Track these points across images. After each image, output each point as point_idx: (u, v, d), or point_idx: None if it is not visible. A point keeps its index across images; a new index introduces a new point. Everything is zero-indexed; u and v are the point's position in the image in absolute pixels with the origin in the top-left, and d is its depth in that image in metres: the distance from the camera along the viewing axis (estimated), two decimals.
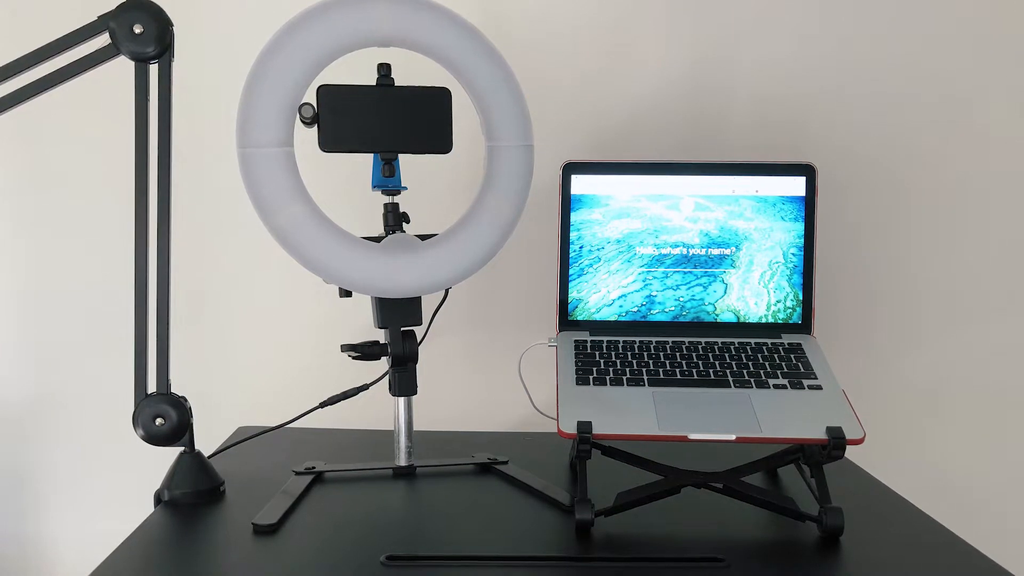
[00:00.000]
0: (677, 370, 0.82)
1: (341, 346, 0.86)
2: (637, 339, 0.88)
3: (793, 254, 0.90)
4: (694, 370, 0.82)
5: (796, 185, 0.90)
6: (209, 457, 0.88)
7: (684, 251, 0.90)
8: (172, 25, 0.80)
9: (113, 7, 0.78)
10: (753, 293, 0.90)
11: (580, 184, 0.91)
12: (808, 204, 0.90)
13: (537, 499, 0.84)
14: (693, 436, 0.73)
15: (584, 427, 0.74)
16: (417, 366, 0.88)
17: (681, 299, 0.90)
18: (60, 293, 1.19)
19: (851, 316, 1.19)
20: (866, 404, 1.08)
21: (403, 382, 0.88)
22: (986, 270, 1.19)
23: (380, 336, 0.87)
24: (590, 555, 0.71)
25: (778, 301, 0.90)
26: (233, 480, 0.87)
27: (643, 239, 0.90)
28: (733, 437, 0.73)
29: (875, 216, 1.18)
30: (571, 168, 0.91)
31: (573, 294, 0.90)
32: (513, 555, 0.70)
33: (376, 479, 0.89)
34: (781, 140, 1.16)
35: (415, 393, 0.89)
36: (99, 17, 0.78)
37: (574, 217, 0.90)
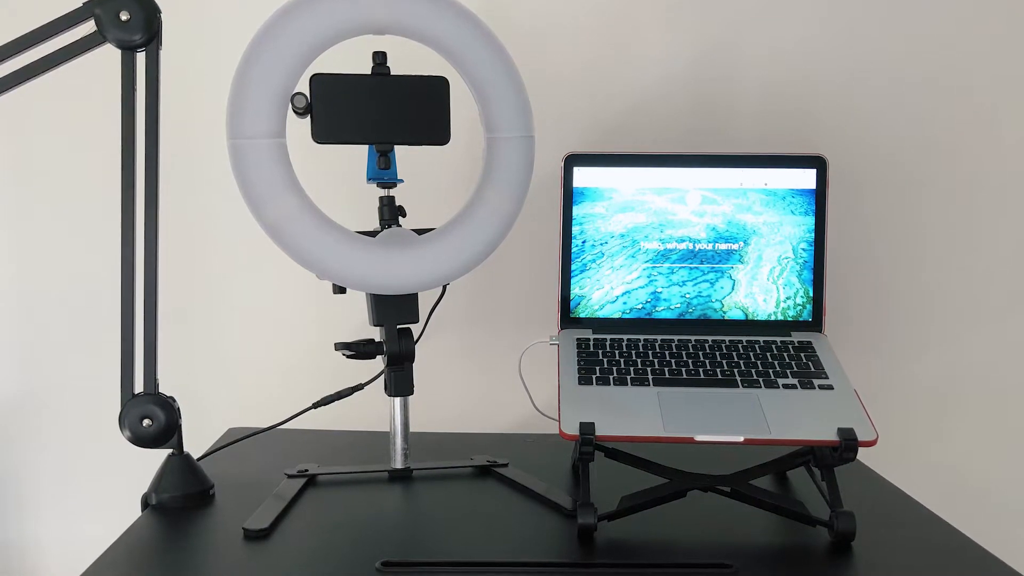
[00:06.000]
0: (683, 369, 0.81)
1: (335, 344, 0.86)
2: (641, 337, 0.86)
3: (803, 249, 0.88)
4: (701, 369, 0.81)
5: (806, 177, 0.88)
6: (198, 459, 0.88)
7: (690, 246, 0.89)
8: (160, 12, 0.79)
9: None
10: (762, 289, 0.88)
11: (582, 177, 0.89)
12: (819, 197, 0.88)
13: (538, 503, 0.83)
14: (700, 438, 0.72)
15: (587, 428, 0.73)
16: (414, 365, 0.87)
17: (687, 296, 0.88)
18: (44, 289, 1.17)
19: (863, 313, 1.18)
20: (879, 405, 1.07)
21: (399, 382, 0.87)
22: (1003, 267, 1.17)
23: (375, 334, 0.86)
24: (593, 561, 0.70)
25: (788, 298, 0.88)
26: (223, 483, 0.86)
27: (648, 234, 0.89)
28: (741, 439, 0.72)
29: (888, 210, 1.17)
30: (573, 160, 0.89)
31: (575, 290, 0.89)
32: (513, 560, 0.70)
33: (371, 482, 0.88)
34: (790, 131, 1.14)
35: (411, 393, 0.88)
36: (84, 3, 0.77)
37: (576, 211, 0.89)
